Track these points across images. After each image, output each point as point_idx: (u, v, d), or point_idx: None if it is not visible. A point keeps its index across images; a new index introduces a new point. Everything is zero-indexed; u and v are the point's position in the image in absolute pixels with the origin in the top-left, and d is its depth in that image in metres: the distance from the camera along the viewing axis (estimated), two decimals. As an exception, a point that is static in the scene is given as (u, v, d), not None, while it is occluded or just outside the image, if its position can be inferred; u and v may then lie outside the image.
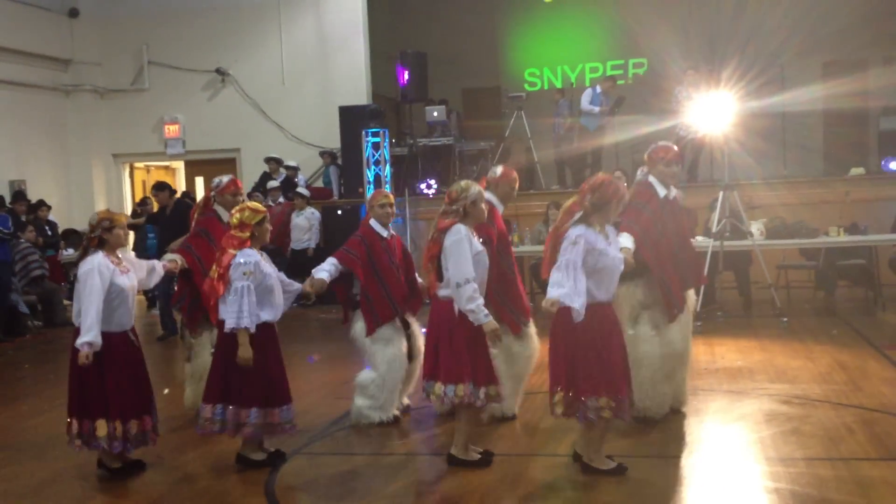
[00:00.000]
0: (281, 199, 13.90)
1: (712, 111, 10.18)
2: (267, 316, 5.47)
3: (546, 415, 6.41)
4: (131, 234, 13.81)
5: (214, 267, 5.47)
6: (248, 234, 5.44)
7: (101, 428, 5.32)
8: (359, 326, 6.41)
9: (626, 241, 5.69)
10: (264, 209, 5.64)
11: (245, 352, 5.31)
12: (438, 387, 5.27)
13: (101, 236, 5.40)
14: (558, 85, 16.74)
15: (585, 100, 14.02)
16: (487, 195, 5.80)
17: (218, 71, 15.75)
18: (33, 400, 8.10)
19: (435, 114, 14.76)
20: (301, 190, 13.97)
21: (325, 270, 6.27)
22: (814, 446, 5.59)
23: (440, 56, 15.90)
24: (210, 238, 6.48)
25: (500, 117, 15.51)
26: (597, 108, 13.84)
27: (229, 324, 5.34)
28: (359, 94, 15.25)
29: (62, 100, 15.94)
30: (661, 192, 6.08)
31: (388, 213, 6.42)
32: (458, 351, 5.23)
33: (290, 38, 15.66)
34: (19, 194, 13.53)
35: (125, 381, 5.39)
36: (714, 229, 10.15)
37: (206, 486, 5.46)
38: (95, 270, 5.26)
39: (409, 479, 5.47)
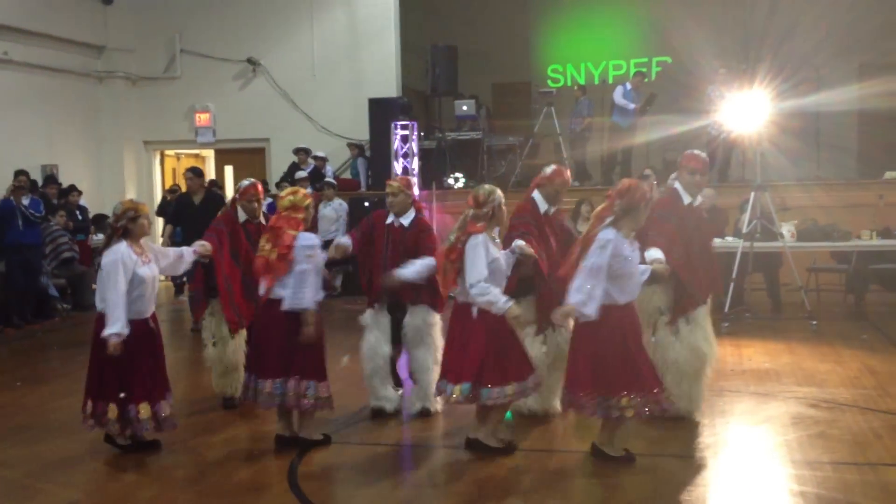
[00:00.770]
0: (309, 190, 13.92)
1: (745, 111, 10.09)
2: (319, 296, 5.65)
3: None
4: (159, 222, 13.92)
5: (269, 246, 5.54)
6: (302, 215, 5.60)
7: (112, 411, 5.47)
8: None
9: (657, 253, 5.69)
10: (310, 195, 5.85)
11: (312, 329, 5.49)
12: (452, 387, 5.39)
13: (125, 226, 5.53)
14: (581, 81, 16.62)
15: (618, 95, 13.94)
16: (534, 194, 6.13)
17: (249, 60, 15.81)
18: (62, 381, 8.19)
19: (464, 108, 14.74)
20: (329, 180, 14.00)
21: (348, 238, 6.49)
22: (840, 451, 5.53)
23: (471, 50, 15.87)
24: (223, 233, 6.58)
25: (530, 113, 15.44)
26: (631, 105, 13.75)
27: (295, 304, 5.48)
28: (389, 86, 15.25)
29: (95, 86, 16.08)
30: (686, 199, 6.10)
31: (391, 202, 6.43)
32: (473, 351, 5.33)
33: (322, 30, 15.69)
34: (51, 178, 13.67)
35: (142, 367, 5.52)
36: (744, 230, 10.05)
37: (230, 472, 5.49)
38: (119, 261, 5.40)
39: (431, 469, 5.47)
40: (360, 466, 5.57)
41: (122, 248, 5.45)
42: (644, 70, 15.52)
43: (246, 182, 6.78)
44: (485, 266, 5.28)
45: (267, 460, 5.64)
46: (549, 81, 17.12)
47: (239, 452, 5.85)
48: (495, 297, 5.26)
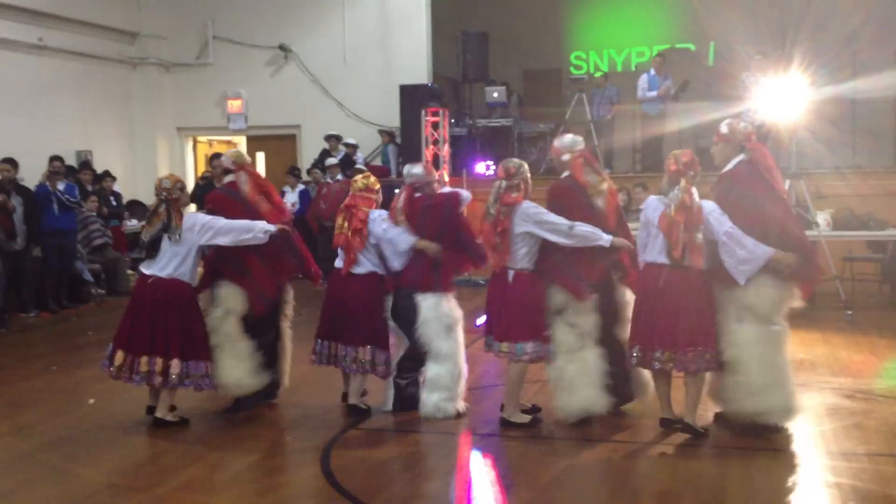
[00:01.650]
0: (339, 177, 13.96)
1: (781, 97, 9.95)
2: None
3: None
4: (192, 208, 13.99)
5: (346, 224, 6.11)
6: (374, 196, 6.28)
7: (144, 364, 5.82)
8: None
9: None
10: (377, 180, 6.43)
11: (434, 247, 5.98)
12: (498, 345, 5.80)
13: (176, 198, 6.05)
14: (604, 68, 16.43)
15: (642, 87, 13.80)
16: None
17: (281, 47, 15.84)
18: (96, 366, 8.19)
19: (495, 94, 14.67)
20: (360, 166, 14.01)
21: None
22: (877, 442, 5.48)
23: (502, 37, 15.78)
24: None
25: (561, 100, 15.34)
26: (654, 93, 13.62)
27: (404, 248, 6.04)
28: (420, 73, 15.21)
29: (128, 72, 16.19)
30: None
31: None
32: (513, 312, 5.72)
33: (353, 16, 15.68)
34: (86, 164, 13.81)
35: (176, 326, 5.87)
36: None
37: (263, 456, 5.54)
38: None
39: (465, 457, 5.47)
40: (394, 454, 5.62)
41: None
42: (664, 51, 15.15)
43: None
44: (556, 217, 5.62)
45: (300, 446, 5.68)
46: (572, 69, 17.00)
47: (271, 436, 5.89)
48: (596, 234, 5.60)
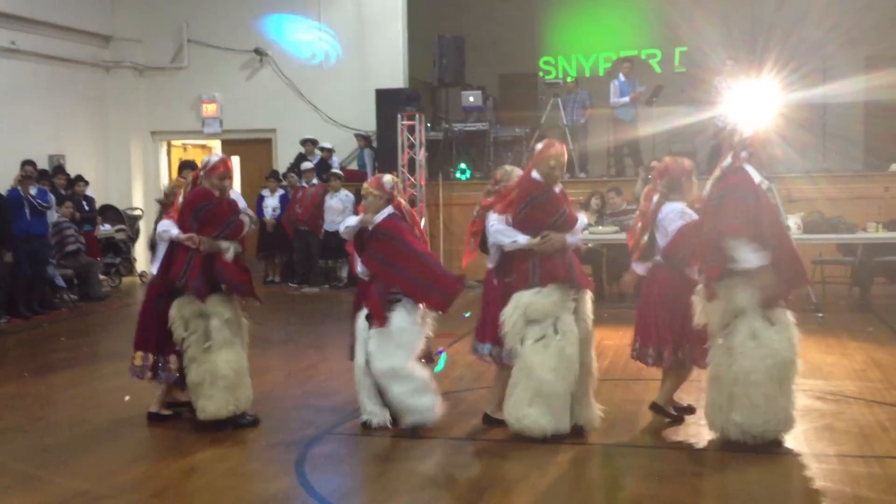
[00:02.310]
0: (315, 181, 13.95)
1: (752, 102, 10.05)
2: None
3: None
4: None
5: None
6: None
7: (174, 361, 6.00)
8: None
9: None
10: None
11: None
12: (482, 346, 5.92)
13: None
14: (573, 73, 16.47)
15: (613, 93, 13.89)
16: (533, 174, 5.69)
17: (256, 51, 15.80)
18: (68, 372, 8.22)
19: (471, 99, 14.71)
20: (336, 171, 14.01)
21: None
22: (847, 443, 5.53)
23: (478, 41, 15.82)
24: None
25: (537, 104, 15.40)
26: (627, 98, 13.72)
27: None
28: (396, 77, 15.21)
29: (102, 76, 16.08)
30: (758, 179, 5.40)
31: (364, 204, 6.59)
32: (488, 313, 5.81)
33: (329, 20, 15.66)
34: (59, 169, 13.70)
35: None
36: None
37: (235, 464, 5.53)
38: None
39: (440, 462, 5.46)
40: (370, 458, 5.63)
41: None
42: (631, 57, 15.24)
43: (214, 158, 6.11)
44: (503, 226, 5.63)
45: (276, 451, 5.66)
46: (541, 73, 17.07)
47: (246, 441, 5.89)
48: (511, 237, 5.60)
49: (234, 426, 5.96)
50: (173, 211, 6.03)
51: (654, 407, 6.00)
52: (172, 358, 6.00)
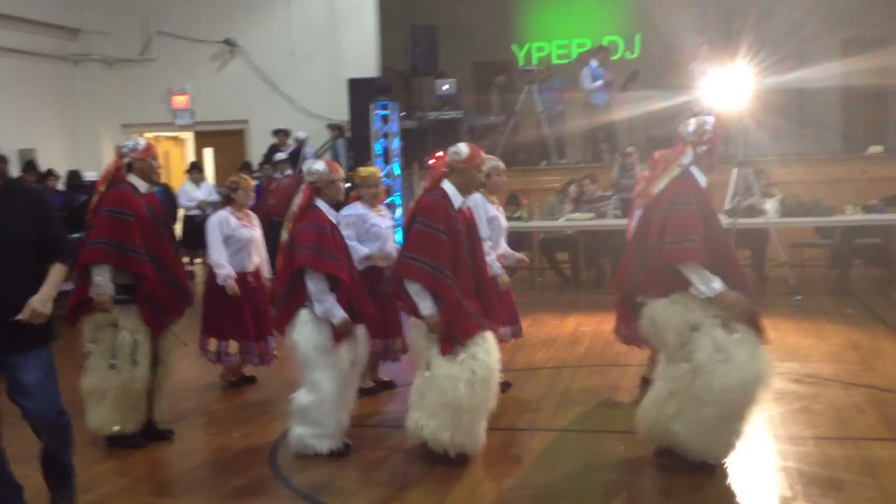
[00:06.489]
0: (289, 172, 13.78)
1: (728, 87, 9.98)
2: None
3: (550, 391, 6.37)
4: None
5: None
6: None
7: (233, 346, 6.74)
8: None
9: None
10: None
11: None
12: None
13: (228, 195, 6.91)
14: (544, 58, 16.39)
15: (586, 80, 13.79)
16: (444, 185, 5.12)
17: (226, 42, 15.59)
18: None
19: (445, 87, 14.56)
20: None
21: None
22: (823, 425, 5.49)
23: (451, 29, 15.66)
24: (124, 214, 5.39)
25: (512, 91, 15.29)
26: (600, 82, 13.62)
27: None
28: (368, 66, 15.07)
29: (71, 69, 15.83)
30: (703, 181, 4.92)
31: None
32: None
33: (300, 9, 15.49)
34: (30, 164, 13.46)
35: (234, 310, 6.69)
36: (727, 206, 9.98)
37: (208, 456, 5.45)
38: (215, 223, 6.73)
39: (417, 450, 5.37)
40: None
41: (220, 214, 6.81)
42: (605, 47, 15.13)
43: (142, 141, 5.74)
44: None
45: (248, 442, 5.57)
46: (520, 61, 16.94)
47: (219, 438, 5.79)
48: None
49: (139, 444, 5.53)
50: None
51: (646, 382, 5.99)
52: (232, 343, 6.75)
